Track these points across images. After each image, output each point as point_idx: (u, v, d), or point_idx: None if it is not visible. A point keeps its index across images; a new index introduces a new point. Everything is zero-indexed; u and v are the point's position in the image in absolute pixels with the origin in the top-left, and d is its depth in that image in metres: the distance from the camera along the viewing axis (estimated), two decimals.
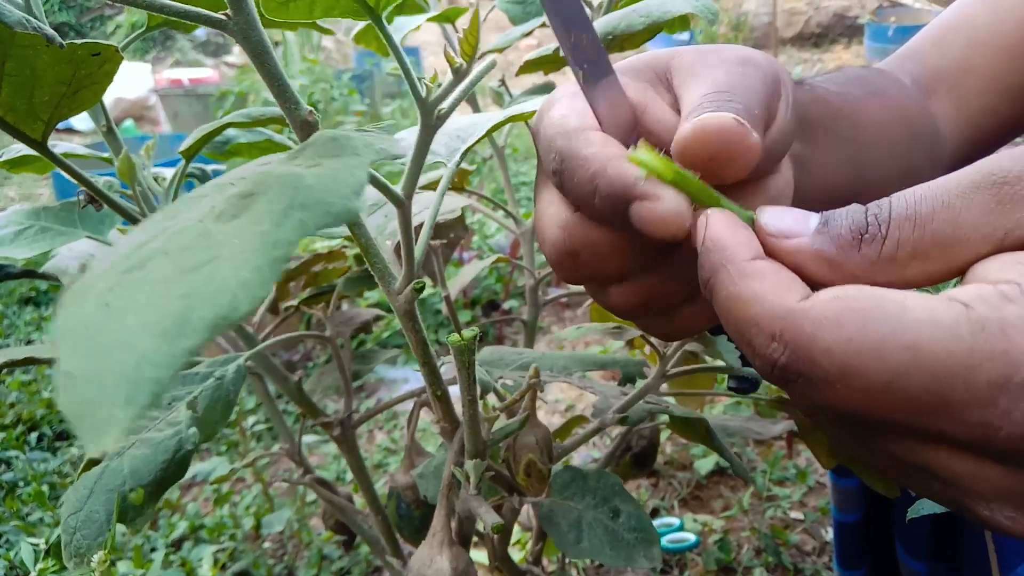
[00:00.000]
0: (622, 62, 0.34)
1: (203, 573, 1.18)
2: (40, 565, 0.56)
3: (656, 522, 1.24)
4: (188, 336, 0.16)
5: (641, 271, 0.31)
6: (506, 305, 2.09)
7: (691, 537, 1.17)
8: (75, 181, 0.50)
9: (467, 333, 0.37)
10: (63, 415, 0.16)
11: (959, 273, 0.24)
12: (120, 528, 0.40)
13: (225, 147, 0.63)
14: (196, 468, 1.42)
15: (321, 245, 1.98)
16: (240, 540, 1.28)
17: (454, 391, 0.44)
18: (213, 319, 0.17)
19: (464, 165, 0.76)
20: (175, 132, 4.46)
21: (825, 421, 0.26)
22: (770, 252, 0.26)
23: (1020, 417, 0.20)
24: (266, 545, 1.30)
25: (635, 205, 0.27)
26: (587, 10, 0.30)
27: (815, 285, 0.25)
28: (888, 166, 0.45)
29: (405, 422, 0.60)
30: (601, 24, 0.46)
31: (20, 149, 0.56)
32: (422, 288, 0.40)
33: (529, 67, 0.58)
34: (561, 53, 0.30)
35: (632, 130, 0.30)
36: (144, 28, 0.52)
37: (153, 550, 1.27)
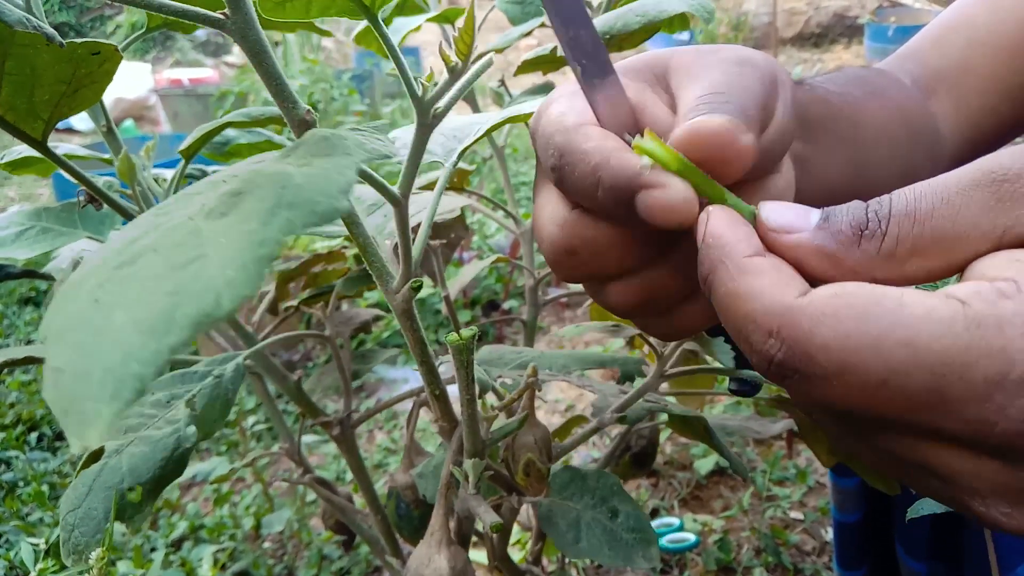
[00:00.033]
0: (621, 62, 0.34)
1: (203, 573, 1.18)
2: (40, 565, 0.56)
3: (656, 522, 1.24)
4: (173, 333, 0.17)
5: (639, 269, 0.31)
6: (506, 305, 2.09)
7: (691, 537, 1.18)
8: (75, 181, 0.50)
9: (465, 332, 0.38)
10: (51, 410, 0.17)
11: (958, 270, 0.24)
12: (120, 528, 0.40)
13: (225, 148, 0.63)
14: (196, 468, 1.42)
15: (321, 245, 1.98)
16: (240, 540, 1.28)
17: (453, 391, 0.44)
18: (197, 316, 0.17)
19: (464, 165, 0.76)
20: (175, 132, 4.46)
21: (823, 418, 0.26)
22: (770, 247, 0.26)
23: (1016, 413, 0.21)
24: (266, 545, 1.30)
25: (641, 194, 0.26)
26: (587, 10, 0.30)
27: (815, 281, 0.25)
28: (888, 166, 0.45)
29: (405, 422, 0.60)
30: (598, 23, 0.46)
31: (21, 151, 0.56)
32: (419, 287, 0.40)
33: (527, 67, 0.58)
34: (561, 52, 0.30)
35: (632, 129, 0.30)
36: (144, 29, 0.52)
37: (153, 550, 1.28)
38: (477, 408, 0.42)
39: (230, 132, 0.62)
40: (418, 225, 0.42)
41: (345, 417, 0.66)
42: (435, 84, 0.37)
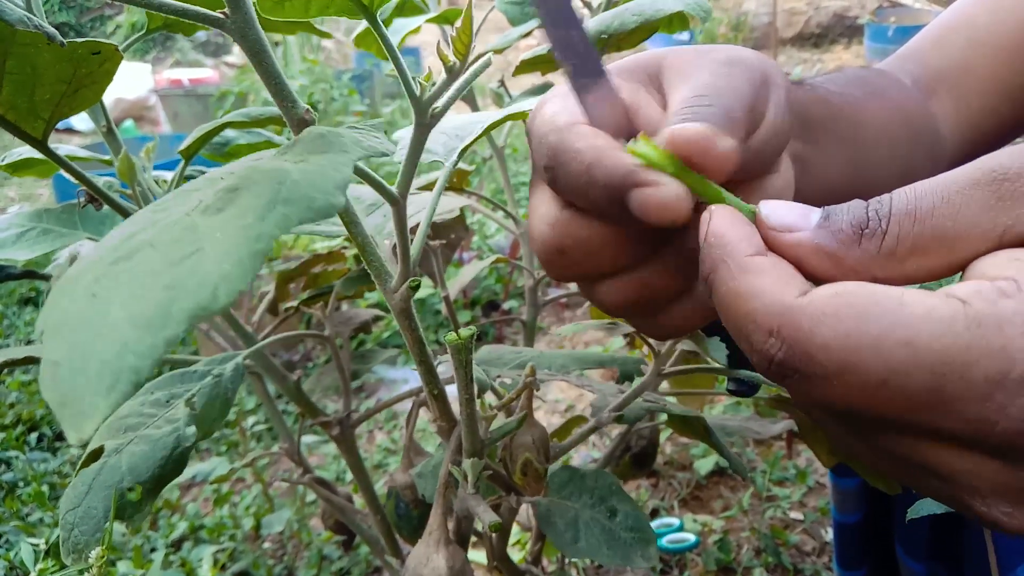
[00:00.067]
0: (616, 63, 0.34)
1: (203, 573, 1.18)
2: (40, 565, 0.56)
3: (656, 522, 1.24)
4: (169, 326, 0.17)
5: (629, 268, 0.31)
6: (506, 305, 2.09)
7: (691, 537, 1.18)
8: (75, 180, 0.50)
9: (464, 332, 0.38)
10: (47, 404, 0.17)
11: (959, 269, 0.24)
12: (120, 528, 0.40)
13: (224, 148, 0.63)
14: (196, 468, 1.42)
15: (321, 246, 1.98)
16: (240, 540, 1.28)
17: (452, 391, 0.44)
18: (193, 310, 0.17)
19: (463, 165, 0.76)
20: (175, 132, 4.46)
21: (823, 418, 0.26)
22: (771, 246, 0.26)
23: (1016, 412, 0.21)
24: (266, 545, 1.30)
25: (635, 192, 0.27)
26: (579, 13, 0.30)
27: (815, 280, 0.25)
28: (888, 166, 0.45)
29: (404, 422, 0.60)
30: (595, 23, 0.46)
31: (22, 152, 0.56)
32: (417, 286, 0.40)
33: (525, 67, 0.58)
34: (554, 56, 0.30)
35: (625, 129, 0.30)
36: (145, 30, 0.52)
37: (153, 550, 1.28)
38: (476, 408, 0.42)
39: (230, 132, 0.62)
40: (417, 225, 0.42)
41: (344, 417, 0.66)
42: (433, 84, 0.37)
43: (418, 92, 0.37)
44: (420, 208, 0.46)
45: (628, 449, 0.79)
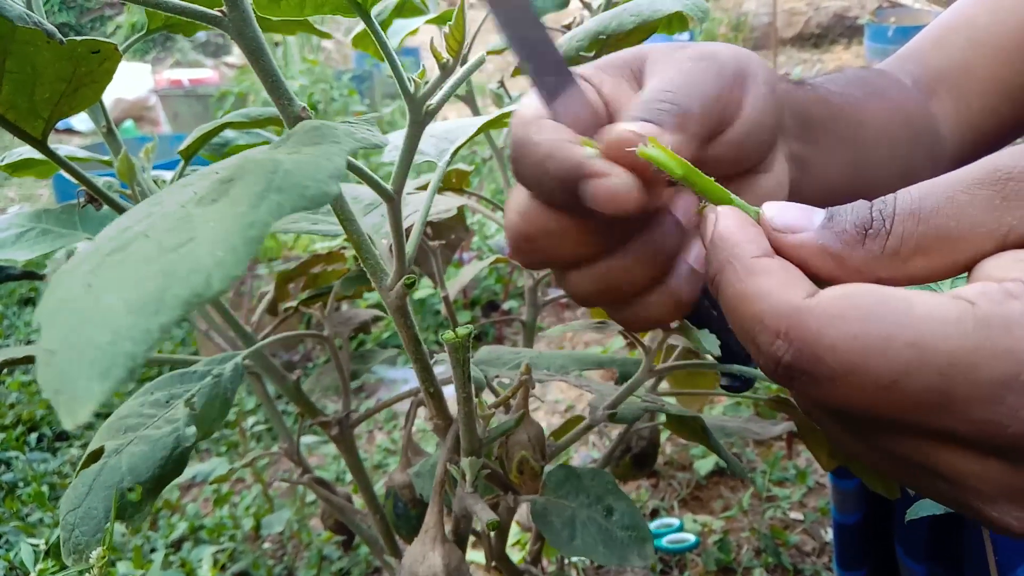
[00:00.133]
0: (601, 59, 0.35)
1: (203, 574, 1.18)
2: (40, 565, 0.56)
3: (656, 523, 1.24)
4: (163, 313, 0.17)
5: (596, 257, 0.31)
6: (505, 306, 2.09)
7: (691, 538, 1.17)
8: (75, 180, 0.50)
9: (461, 331, 0.38)
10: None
11: (963, 269, 0.24)
12: (120, 528, 0.40)
13: (224, 148, 0.63)
14: (196, 468, 1.42)
15: (321, 246, 1.98)
16: (240, 540, 1.28)
17: (449, 391, 0.44)
18: (187, 296, 0.17)
19: (463, 166, 0.76)
20: (175, 133, 4.46)
21: (828, 421, 0.26)
22: (774, 247, 0.26)
23: None
24: (266, 546, 1.30)
25: (586, 183, 0.27)
26: (543, 23, 0.30)
27: (819, 280, 0.25)
28: (889, 167, 0.45)
29: (404, 422, 0.60)
30: (593, 23, 0.46)
31: (22, 152, 0.56)
32: (413, 283, 0.40)
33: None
34: (513, 55, 0.31)
35: (590, 123, 0.31)
36: (145, 30, 0.52)
37: (153, 550, 1.28)
38: (474, 406, 0.42)
39: (229, 133, 0.62)
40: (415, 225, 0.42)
41: (344, 417, 0.66)
42: (426, 82, 0.37)
43: (412, 90, 0.37)
44: (417, 208, 0.46)
45: (628, 449, 0.79)
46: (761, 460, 1.39)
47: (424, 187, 0.61)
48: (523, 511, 0.51)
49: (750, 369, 0.39)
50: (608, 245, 0.31)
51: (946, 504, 0.25)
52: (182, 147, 0.55)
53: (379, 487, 0.69)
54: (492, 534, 0.54)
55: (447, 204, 0.63)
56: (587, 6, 0.63)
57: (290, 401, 0.67)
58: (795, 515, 1.25)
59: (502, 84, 0.75)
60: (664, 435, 1.37)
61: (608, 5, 0.58)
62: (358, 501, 1.05)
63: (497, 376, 0.51)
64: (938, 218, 0.24)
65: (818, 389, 0.23)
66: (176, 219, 0.21)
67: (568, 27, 0.64)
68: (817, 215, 0.26)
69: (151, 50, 7.81)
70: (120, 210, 0.53)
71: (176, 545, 1.30)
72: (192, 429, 0.42)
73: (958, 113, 0.52)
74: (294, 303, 0.72)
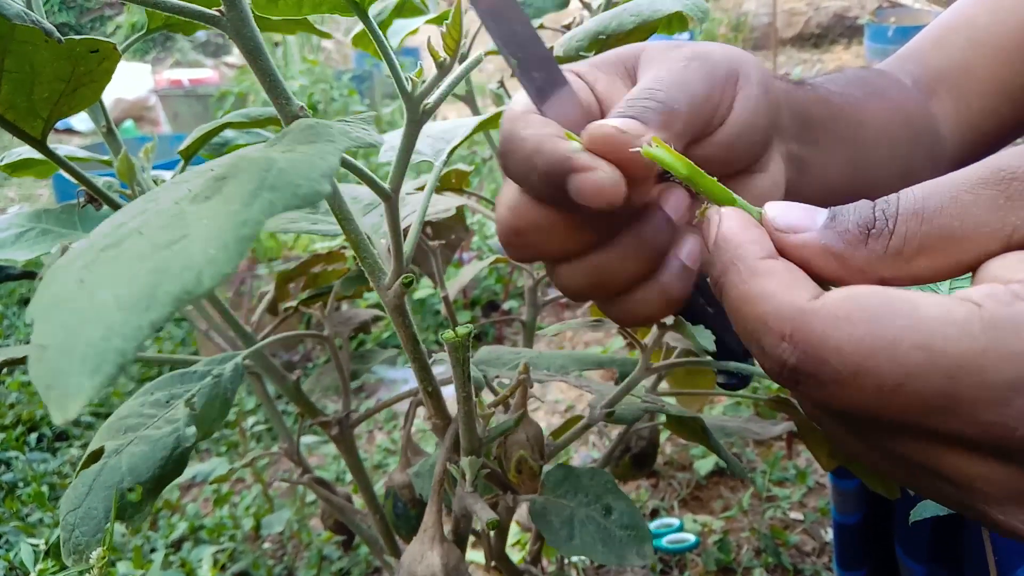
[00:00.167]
0: (596, 56, 0.35)
1: (203, 574, 1.18)
2: (40, 566, 0.56)
3: (656, 523, 1.24)
4: (154, 309, 0.17)
5: (585, 251, 0.32)
6: (505, 306, 2.09)
7: (691, 538, 1.17)
8: (74, 180, 0.50)
9: (461, 330, 0.38)
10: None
11: (967, 269, 0.24)
12: (120, 528, 0.40)
13: (224, 148, 0.63)
14: (196, 468, 1.42)
15: (321, 246, 1.98)
16: (240, 540, 1.28)
17: (449, 391, 0.44)
18: (178, 293, 0.18)
19: (463, 166, 0.76)
20: (175, 133, 4.46)
21: (832, 423, 0.26)
22: (776, 247, 0.26)
23: None
24: (266, 546, 1.30)
25: (572, 177, 0.28)
26: (529, 18, 0.31)
27: (822, 281, 0.25)
28: (889, 167, 0.45)
29: (403, 422, 0.60)
30: (593, 23, 0.46)
31: (21, 152, 0.56)
32: (410, 283, 0.40)
33: None
34: (499, 51, 0.31)
35: (579, 120, 0.32)
36: (144, 30, 0.52)
37: (153, 551, 1.28)
38: (474, 405, 0.42)
39: (229, 133, 0.62)
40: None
41: (344, 417, 0.66)
42: (423, 81, 0.37)
43: (409, 89, 0.37)
44: (416, 208, 0.46)
45: (628, 449, 0.79)
46: (761, 460, 1.39)
47: (423, 187, 0.61)
48: (523, 511, 0.51)
49: (746, 366, 0.39)
50: (597, 239, 0.31)
51: (950, 506, 0.25)
52: (182, 147, 0.55)
53: (379, 487, 0.69)
54: (492, 534, 0.54)
55: (446, 204, 0.63)
56: (587, 6, 0.63)
57: (290, 401, 0.67)
58: (795, 515, 1.25)
59: (502, 84, 0.75)
60: (664, 435, 1.37)
61: (608, 5, 0.58)
62: (358, 501, 1.05)
63: (497, 376, 0.51)
64: (942, 218, 0.23)
65: (823, 391, 0.23)
66: (170, 216, 0.21)
67: (568, 27, 0.64)
68: (820, 215, 0.26)
69: (151, 50, 7.81)
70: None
71: (176, 545, 1.30)
72: (192, 429, 0.42)
73: (958, 113, 0.52)
74: (294, 303, 0.72)
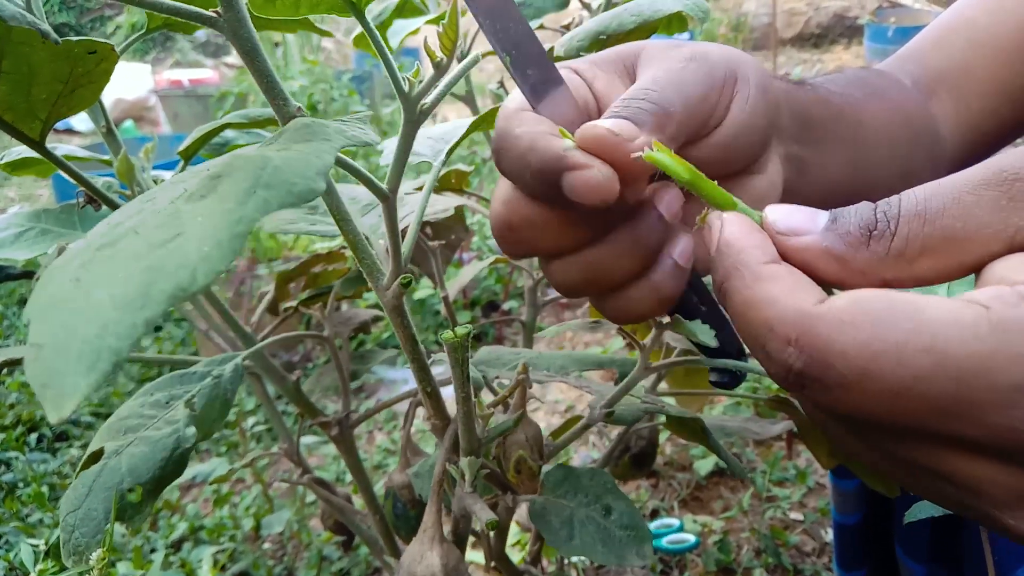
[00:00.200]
0: (595, 54, 0.35)
1: (203, 574, 1.18)
2: (40, 566, 0.56)
3: (656, 523, 1.24)
4: (149, 307, 0.17)
5: (578, 248, 0.32)
6: (505, 306, 2.09)
7: (691, 538, 1.17)
8: (74, 181, 0.50)
9: (460, 330, 0.38)
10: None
11: (970, 271, 0.24)
12: (120, 529, 0.40)
13: (224, 149, 0.63)
14: (196, 469, 1.41)
15: (321, 246, 1.98)
16: (240, 541, 1.28)
17: (448, 391, 0.44)
18: (173, 291, 0.18)
19: (462, 166, 0.76)
20: (175, 133, 4.46)
21: (835, 426, 0.26)
22: (778, 250, 0.26)
23: None
24: (266, 546, 1.30)
25: (566, 175, 0.28)
26: (532, 25, 0.31)
27: (824, 284, 0.25)
28: (888, 167, 0.45)
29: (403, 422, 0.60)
30: (594, 23, 0.46)
31: (21, 151, 0.56)
32: (408, 283, 0.40)
33: None
34: (492, 48, 0.31)
35: (573, 115, 0.32)
36: (144, 30, 0.52)
37: (153, 551, 1.28)
38: (473, 406, 0.42)
39: (229, 133, 0.62)
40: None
41: (344, 418, 0.66)
42: (420, 80, 0.38)
43: (407, 89, 0.37)
44: (415, 208, 0.46)
45: (627, 449, 0.79)
46: (761, 460, 1.39)
47: (423, 187, 0.61)
48: (523, 511, 0.51)
49: (741, 363, 0.39)
50: (590, 236, 0.31)
51: (950, 508, 0.25)
52: (182, 147, 0.55)
53: (379, 487, 0.69)
54: (491, 534, 0.54)
55: (445, 204, 0.63)
56: (586, 6, 0.63)
57: (290, 401, 0.67)
58: (795, 515, 1.25)
59: (502, 84, 0.75)
60: (664, 435, 1.37)
61: (608, 5, 0.58)
62: (358, 501, 1.05)
63: (497, 377, 0.51)
64: (944, 219, 0.23)
65: (829, 396, 0.23)
66: (166, 215, 0.21)
67: (567, 27, 0.64)
68: (821, 217, 0.25)
69: (151, 50, 7.81)
70: None
71: (176, 545, 1.30)
72: (192, 430, 0.42)
73: (958, 114, 0.52)
74: (294, 303, 0.72)
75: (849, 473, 0.77)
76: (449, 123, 0.49)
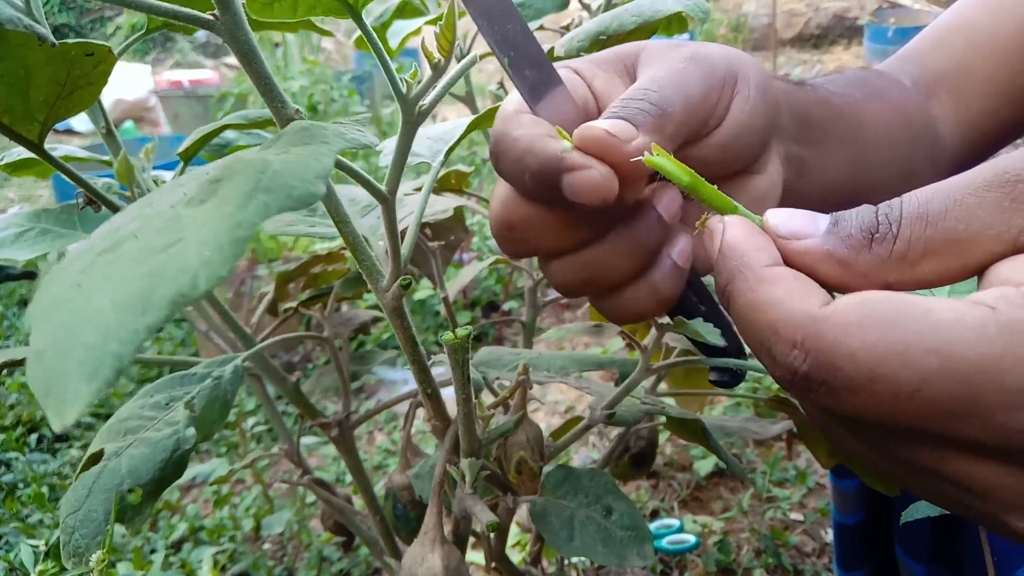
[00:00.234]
0: (594, 54, 0.35)
1: (203, 574, 1.18)
2: (40, 567, 0.56)
3: (656, 523, 1.24)
4: (151, 313, 0.17)
5: (577, 248, 0.32)
6: (505, 306, 2.09)
7: (691, 538, 1.17)
8: (73, 183, 0.50)
9: (460, 331, 0.38)
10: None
11: (973, 273, 0.24)
12: (120, 529, 0.40)
13: (224, 150, 0.63)
14: (196, 470, 1.41)
15: (321, 247, 1.98)
16: (240, 541, 1.28)
17: (448, 392, 0.44)
18: (174, 296, 0.18)
19: (462, 167, 0.76)
20: (175, 134, 4.46)
21: (839, 429, 0.25)
22: (779, 253, 0.26)
23: None
24: (266, 546, 1.30)
25: (566, 176, 0.28)
26: (532, 27, 0.31)
27: (826, 287, 0.24)
28: (888, 167, 0.45)
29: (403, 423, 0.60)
30: (594, 23, 0.46)
31: (21, 152, 0.56)
32: (408, 284, 0.40)
33: None
34: (491, 50, 0.31)
35: (573, 117, 0.32)
36: (144, 31, 0.52)
37: (153, 551, 1.28)
38: (473, 407, 0.42)
39: (229, 134, 0.62)
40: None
41: (344, 418, 0.66)
42: (418, 81, 0.37)
43: (404, 90, 0.37)
44: (414, 209, 0.46)
45: (627, 450, 0.79)
46: (761, 461, 1.39)
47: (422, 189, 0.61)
48: (523, 512, 0.51)
49: (742, 362, 0.39)
50: (590, 236, 0.31)
51: (951, 509, 0.25)
52: (182, 148, 0.55)
53: (379, 488, 0.69)
54: (492, 535, 0.54)
55: (444, 205, 0.63)
56: (586, 7, 0.63)
57: (290, 402, 0.67)
58: (795, 516, 1.25)
59: (501, 85, 0.75)
60: (664, 436, 1.37)
61: (608, 6, 0.59)
62: (358, 502, 1.05)
63: (497, 378, 0.51)
64: (946, 221, 0.23)
65: (835, 399, 0.22)
66: (166, 220, 0.21)
67: (567, 28, 0.64)
68: (822, 221, 0.25)
69: (151, 51, 7.81)
70: (118, 212, 0.53)
71: (176, 546, 1.30)
72: (192, 431, 0.42)
73: (957, 114, 0.52)
74: (294, 304, 0.72)
75: (849, 473, 0.77)
76: (448, 122, 0.49)
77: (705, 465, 1.36)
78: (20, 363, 0.52)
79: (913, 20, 4.94)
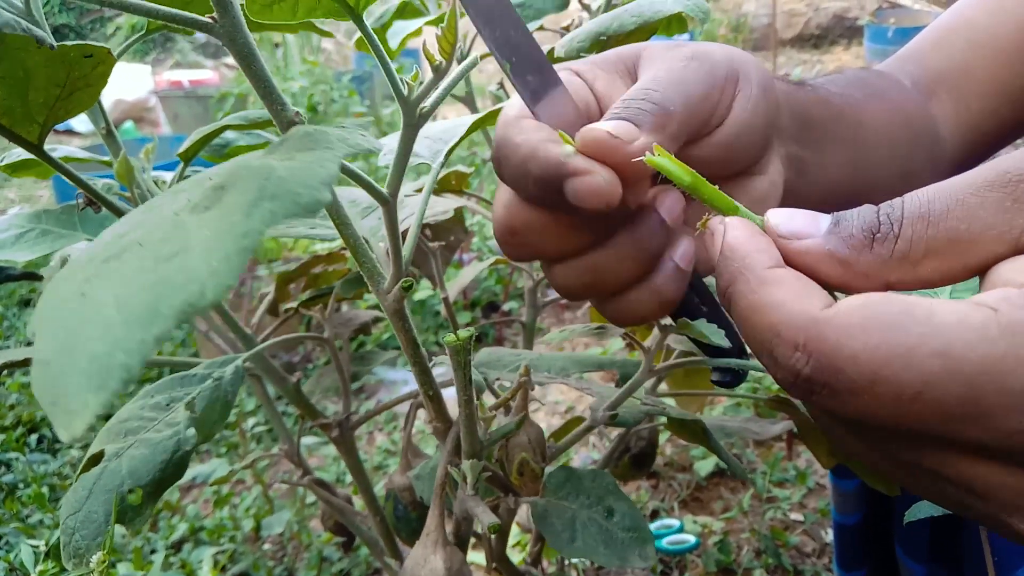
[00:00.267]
0: (595, 56, 0.35)
1: (203, 575, 1.18)
2: (40, 567, 0.57)
3: (656, 524, 1.24)
4: (158, 323, 0.17)
5: (580, 251, 0.32)
6: (506, 307, 2.09)
7: (691, 539, 1.17)
8: (73, 184, 0.50)
9: (463, 333, 0.38)
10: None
11: (975, 273, 0.24)
12: (120, 530, 0.40)
13: (224, 150, 0.63)
14: (196, 470, 1.41)
15: (321, 247, 1.98)
16: (240, 542, 1.28)
17: (448, 393, 0.44)
18: (182, 307, 0.17)
19: (462, 168, 0.76)
20: (175, 134, 4.46)
21: (841, 431, 0.25)
22: (781, 254, 0.25)
23: None
24: (266, 547, 1.30)
25: (569, 181, 0.28)
26: (531, 28, 0.31)
27: (828, 287, 0.24)
28: (888, 167, 0.45)
29: (403, 423, 0.60)
30: (595, 24, 0.46)
31: (21, 153, 0.56)
32: (409, 286, 0.40)
33: None
34: (491, 54, 0.31)
35: (574, 121, 0.32)
36: (144, 31, 0.52)
37: (153, 552, 1.28)
38: (475, 408, 0.42)
39: (229, 134, 0.62)
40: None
41: (344, 419, 0.66)
42: (420, 83, 0.37)
43: (406, 92, 0.37)
44: (414, 210, 0.46)
45: (627, 450, 0.79)
46: (761, 461, 1.39)
47: (423, 189, 0.61)
48: (523, 512, 0.51)
49: (744, 362, 0.39)
50: (592, 240, 0.31)
51: (955, 510, 0.24)
52: (182, 149, 0.55)
53: (379, 488, 0.69)
54: (493, 536, 0.54)
55: (445, 205, 0.63)
56: (586, 8, 0.63)
57: (290, 403, 0.67)
58: (795, 516, 1.25)
59: (501, 86, 0.75)
60: (664, 436, 1.37)
61: (608, 6, 0.58)
62: (358, 502, 1.05)
63: (498, 379, 0.51)
64: (948, 221, 0.23)
65: (838, 401, 0.22)
66: (170, 227, 0.21)
67: (567, 29, 0.64)
68: (823, 221, 0.25)
69: (151, 51, 7.82)
70: (118, 213, 0.53)
71: (176, 546, 1.30)
72: (192, 432, 0.42)
73: (958, 114, 0.52)
74: (294, 304, 0.72)
75: (849, 473, 0.77)
76: (447, 121, 0.49)
77: (705, 465, 1.36)
78: (20, 363, 0.52)
79: (913, 20, 4.94)
